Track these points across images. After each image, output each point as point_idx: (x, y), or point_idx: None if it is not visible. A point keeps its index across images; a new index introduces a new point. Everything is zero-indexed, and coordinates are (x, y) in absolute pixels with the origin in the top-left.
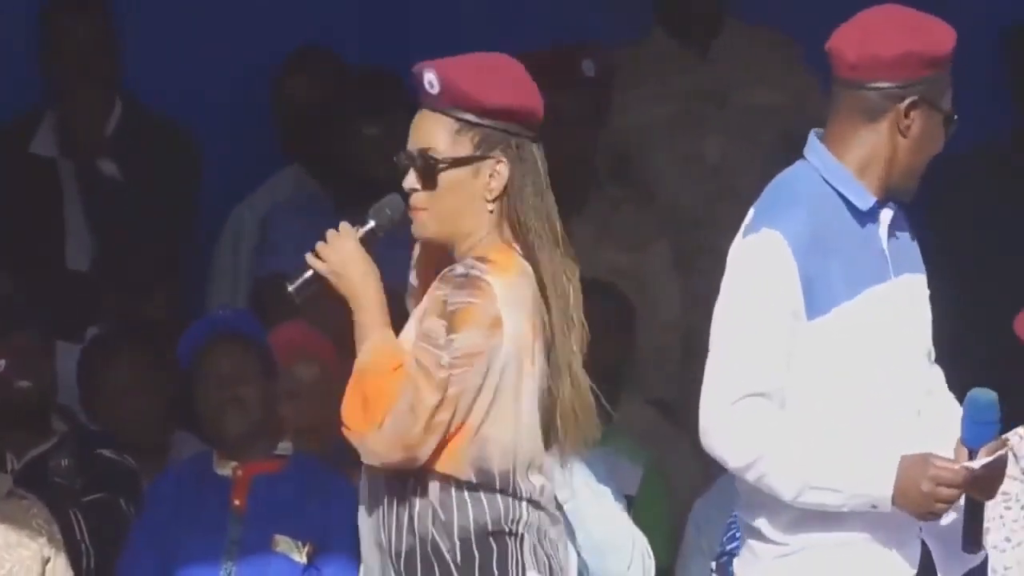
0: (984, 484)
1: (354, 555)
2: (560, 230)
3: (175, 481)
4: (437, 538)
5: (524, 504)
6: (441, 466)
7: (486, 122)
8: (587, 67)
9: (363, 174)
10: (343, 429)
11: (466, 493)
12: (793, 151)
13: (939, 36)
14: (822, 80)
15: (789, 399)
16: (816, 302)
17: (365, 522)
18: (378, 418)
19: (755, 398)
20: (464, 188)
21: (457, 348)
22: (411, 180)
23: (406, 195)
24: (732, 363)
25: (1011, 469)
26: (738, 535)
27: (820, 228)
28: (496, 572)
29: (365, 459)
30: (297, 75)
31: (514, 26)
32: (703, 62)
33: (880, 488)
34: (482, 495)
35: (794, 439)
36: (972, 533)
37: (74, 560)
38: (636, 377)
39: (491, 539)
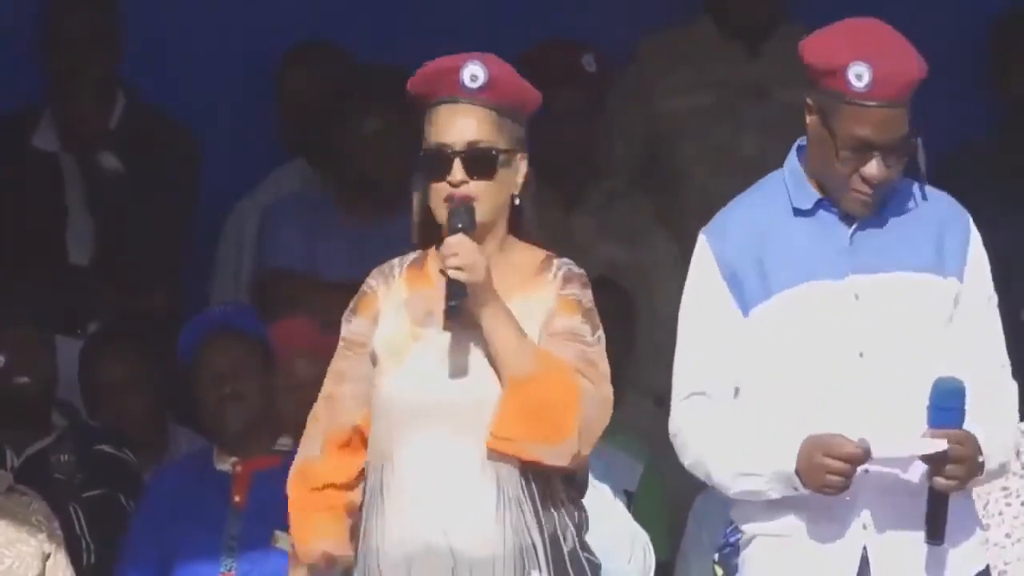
0: (945, 470)
1: None
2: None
3: (175, 476)
4: (569, 533)
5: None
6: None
7: (514, 118)
8: (587, 62)
9: (364, 169)
10: (499, 443)
11: (570, 492)
12: None
13: (834, 52)
14: None
15: (742, 392)
16: (745, 297)
17: (466, 527)
18: (573, 423)
19: (697, 397)
20: (505, 181)
21: (601, 343)
22: (459, 171)
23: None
24: (678, 364)
25: (1011, 464)
26: (740, 527)
27: (758, 226)
28: (588, 570)
29: (554, 463)
30: (298, 70)
31: (516, 22)
32: (749, 58)
33: (785, 463)
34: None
35: (727, 432)
36: (934, 524)
37: (74, 556)
38: (636, 372)
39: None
